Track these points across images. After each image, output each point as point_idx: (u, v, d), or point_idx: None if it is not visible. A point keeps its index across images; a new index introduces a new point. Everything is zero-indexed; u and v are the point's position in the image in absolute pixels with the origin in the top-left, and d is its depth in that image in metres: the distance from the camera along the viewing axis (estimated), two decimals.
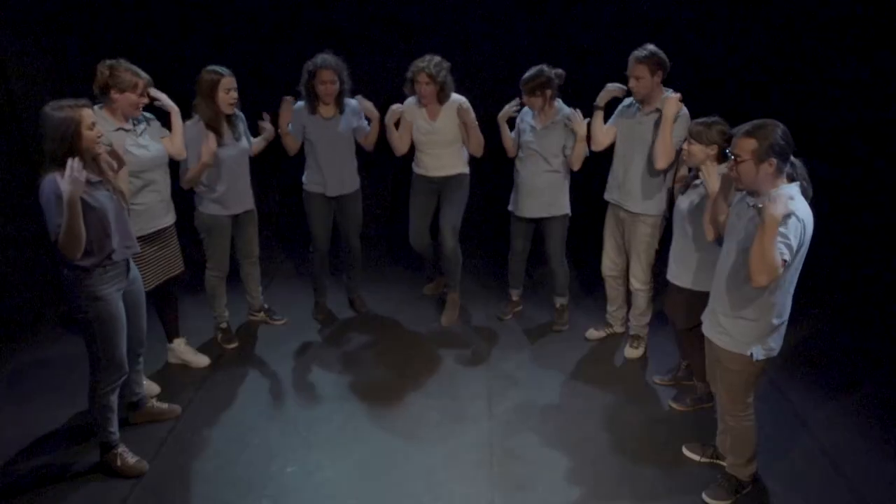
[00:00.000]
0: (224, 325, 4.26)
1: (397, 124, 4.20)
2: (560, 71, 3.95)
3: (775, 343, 2.72)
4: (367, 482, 3.09)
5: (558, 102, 4.01)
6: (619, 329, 4.33)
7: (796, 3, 5.06)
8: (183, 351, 3.99)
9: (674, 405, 3.63)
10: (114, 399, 3.05)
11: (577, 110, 3.92)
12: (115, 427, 3.10)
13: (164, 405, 3.52)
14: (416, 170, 4.37)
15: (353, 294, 4.76)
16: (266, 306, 4.56)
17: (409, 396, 3.74)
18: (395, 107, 4.17)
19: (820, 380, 3.80)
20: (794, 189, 2.53)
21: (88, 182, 2.69)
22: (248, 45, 5.41)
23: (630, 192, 3.80)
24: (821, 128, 5.23)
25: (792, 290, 2.67)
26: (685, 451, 3.26)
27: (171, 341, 3.95)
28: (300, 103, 4.14)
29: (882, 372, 3.94)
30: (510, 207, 4.31)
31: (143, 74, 3.30)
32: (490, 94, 4.37)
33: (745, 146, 2.52)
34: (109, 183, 2.87)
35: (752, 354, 2.69)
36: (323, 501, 2.98)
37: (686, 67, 4.14)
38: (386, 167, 5.80)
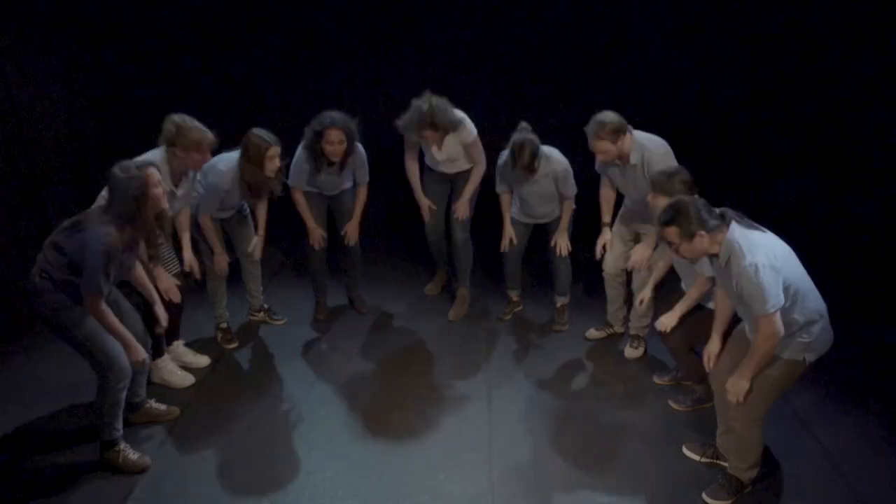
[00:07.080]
0: (224, 326, 4.26)
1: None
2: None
3: (824, 339, 2.74)
4: (367, 482, 3.09)
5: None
6: (619, 329, 4.32)
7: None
8: (182, 353, 3.98)
9: (674, 405, 3.63)
10: (123, 396, 3.09)
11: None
12: (120, 424, 3.13)
13: (163, 407, 3.52)
14: (429, 163, 4.42)
15: (353, 294, 4.76)
16: (266, 306, 4.56)
17: (409, 396, 3.74)
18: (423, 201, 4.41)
19: (820, 380, 3.80)
20: (735, 233, 2.57)
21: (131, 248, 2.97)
22: (249, 50, 5.40)
23: (650, 218, 3.72)
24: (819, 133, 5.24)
25: (808, 298, 2.70)
26: (685, 451, 3.27)
27: (169, 344, 3.91)
28: (299, 155, 4.05)
29: (882, 372, 3.93)
30: (513, 215, 4.27)
31: (209, 133, 3.33)
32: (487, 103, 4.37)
33: (671, 235, 2.64)
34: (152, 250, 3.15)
35: (804, 359, 2.71)
36: (323, 501, 2.98)
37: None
38: (385, 166, 5.79)
